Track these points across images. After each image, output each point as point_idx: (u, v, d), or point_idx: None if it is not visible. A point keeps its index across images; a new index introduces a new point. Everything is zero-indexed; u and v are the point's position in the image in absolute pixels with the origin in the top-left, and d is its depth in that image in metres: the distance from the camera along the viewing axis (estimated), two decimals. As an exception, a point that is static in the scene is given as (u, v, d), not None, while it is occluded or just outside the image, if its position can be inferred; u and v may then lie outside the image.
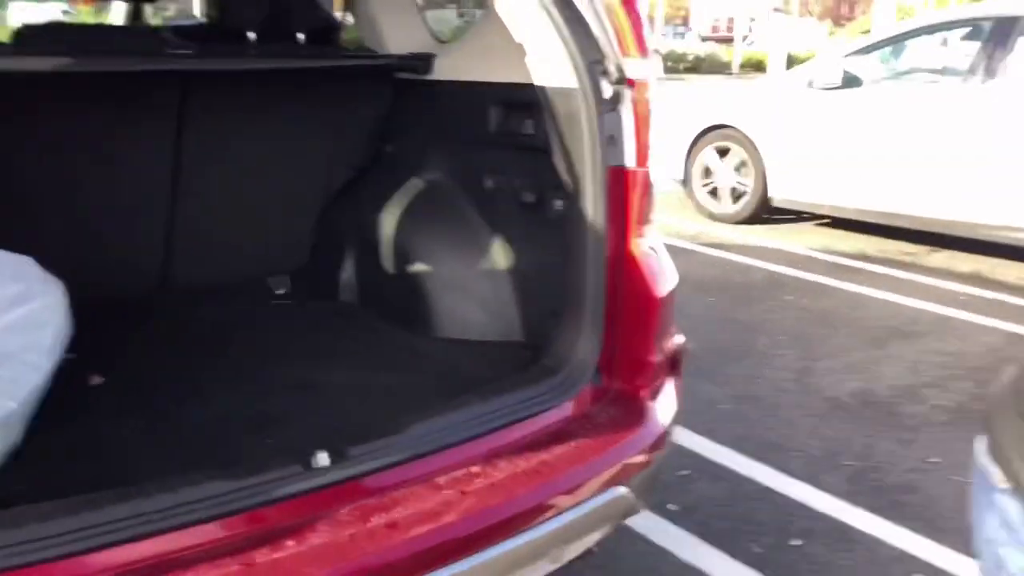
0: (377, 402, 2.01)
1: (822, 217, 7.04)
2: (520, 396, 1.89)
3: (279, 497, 1.52)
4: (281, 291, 2.75)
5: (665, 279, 2.07)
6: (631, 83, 1.94)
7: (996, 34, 5.91)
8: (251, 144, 2.52)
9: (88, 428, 1.85)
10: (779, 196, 6.81)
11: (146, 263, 2.48)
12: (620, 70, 1.91)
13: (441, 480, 1.67)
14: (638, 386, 2.03)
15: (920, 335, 4.63)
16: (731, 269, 5.84)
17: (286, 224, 2.72)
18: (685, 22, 52.92)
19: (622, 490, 1.86)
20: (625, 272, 2.01)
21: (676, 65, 27.67)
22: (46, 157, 2.22)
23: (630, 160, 1.97)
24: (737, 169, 7.01)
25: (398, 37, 2.65)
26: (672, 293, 2.10)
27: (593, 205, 1.95)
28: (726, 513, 2.90)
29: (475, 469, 1.72)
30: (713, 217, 7.16)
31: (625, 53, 1.94)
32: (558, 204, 2.11)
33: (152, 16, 4.20)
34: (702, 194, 7.27)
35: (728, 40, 35.55)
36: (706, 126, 7.16)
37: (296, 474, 1.56)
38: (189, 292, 2.58)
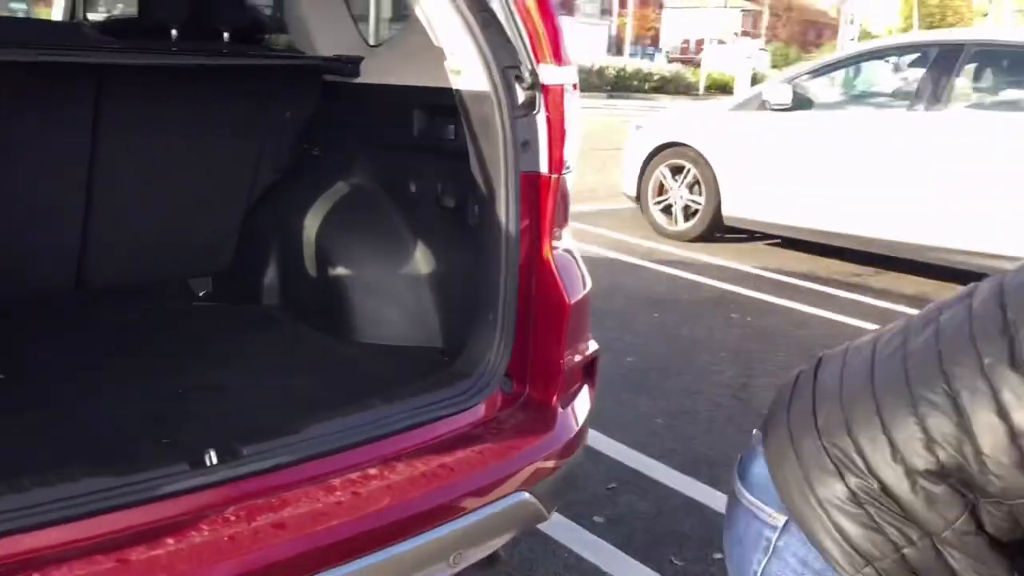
0: (283, 404, 1.98)
1: (774, 237, 7.11)
2: (424, 400, 1.87)
3: (162, 495, 1.49)
4: (203, 293, 2.72)
5: (578, 285, 2.07)
6: (546, 89, 1.95)
7: (941, 60, 6.03)
8: (172, 142, 2.49)
9: None
10: (732, 215, 6.87)
11: (61, 261, 2.43)
12: (534, 75, 1.92)
13: (335, 481, 1.66)
14: (549, 392, 2.03)
15: (858, 354, 4.68)
16: (680, 286, 5.87)
17: (208, 225, 2.68)
18: (655, 42, 53.51)
19: (525, 496, 1.85)
20: (537, 278, 2.01)
21: (642, 84, 27.94)
22: None
23: (544, 166, 1.97)
24: (690, 187, 7.07)
25: (327, 39, 2.64)
26: (585, 300, 2.11)
27: (506, 210, 1.94)
28: (651, 526, 2.90)
29: (372, 471, 1.70)
30: (666, 234, 7.20)
31: (540, 60, 1.94)
32: (476, 209, 2.10)
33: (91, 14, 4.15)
34: (655, 211, 7.32)
35: (692, 62, 36.08)
36: (660, 143, 7.22)
37: (182, 472, 1.53)
38: (107, 291, 2.54)
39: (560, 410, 2.02)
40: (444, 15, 1.96)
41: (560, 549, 2.72)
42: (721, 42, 36.82)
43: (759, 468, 1.26)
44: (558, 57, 1.96)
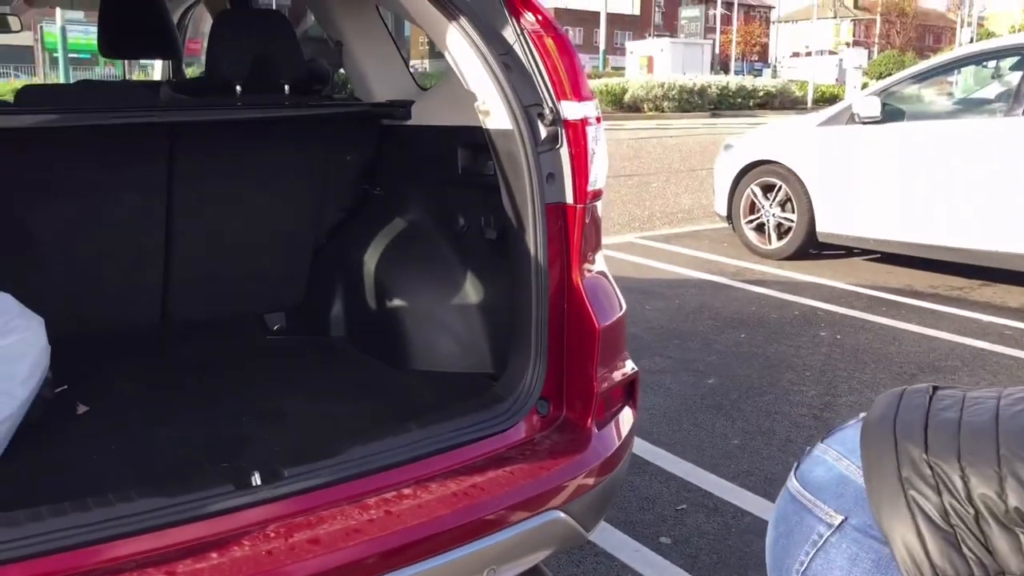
0: (333, 429, 2.12)
1: (873, 253, 6.93)
2: (460, 423, 1.97)
3: (209, 513, 1.64)
4: (277, 327, 2.91)
5: (610, 309, 2.14)
6: (567, 124, 2.04)
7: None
8: (243, 189, 2.70)
9: (63, 451, 2.01)
10: (826, 231, 6.73)
11: (146, 299, 2.66)
12: (555, 112, 2.01)
13: (370, 501, 1.77)
14: (584, 414, 2.09)
15: (951, 370, 4.53)
16: (768, 305, 5.80)
17: (281, 263, 2.88)
18: (762, 58, 52.57)
19: (558, 514, 1.92)
20: (569, 303, 2.09)
21: (746, 101, 27.52)
22: (48, 201, 2.43)
23: (569, 196, 2.06)
24: (782, 205, 6.98)
25: (384, 86, 2.81)
26: (619, 322, 2.17)
27: (534, 239, 2.04)
28: (717, 547, 2.90)
29: (406, 491, 1.81)
30: (759, 253, 7.12)
31: (561, 97, 2.04)
32: (510, 239, 2.21)
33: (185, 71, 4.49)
34: (747, 230, 7.24)
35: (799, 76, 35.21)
36: (750, 161, 7.16)
37: (228, 492, 1.68)
38: (188, 326, 2.75)
39: (595, 431, 2.09)
40: (469, 61, 2.08)
41: (624, 570, 2.76)
42: (832, 53, 35.92)
43: (822, 471, 1.30)
44: (578, 93, 2.05)
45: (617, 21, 59.32)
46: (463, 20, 2.05)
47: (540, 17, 2.07)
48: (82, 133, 2.34)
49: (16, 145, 2.29)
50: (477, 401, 2.08)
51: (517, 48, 2.04)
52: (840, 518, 1.23)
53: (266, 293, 2.90)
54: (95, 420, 2.22)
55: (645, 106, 24.97)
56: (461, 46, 2.09)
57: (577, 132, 2.05)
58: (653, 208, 9.61)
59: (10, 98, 2.57)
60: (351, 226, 2.88)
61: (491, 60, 2.02)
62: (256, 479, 1.71)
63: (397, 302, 2.64)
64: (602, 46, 38.46)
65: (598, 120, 2.12)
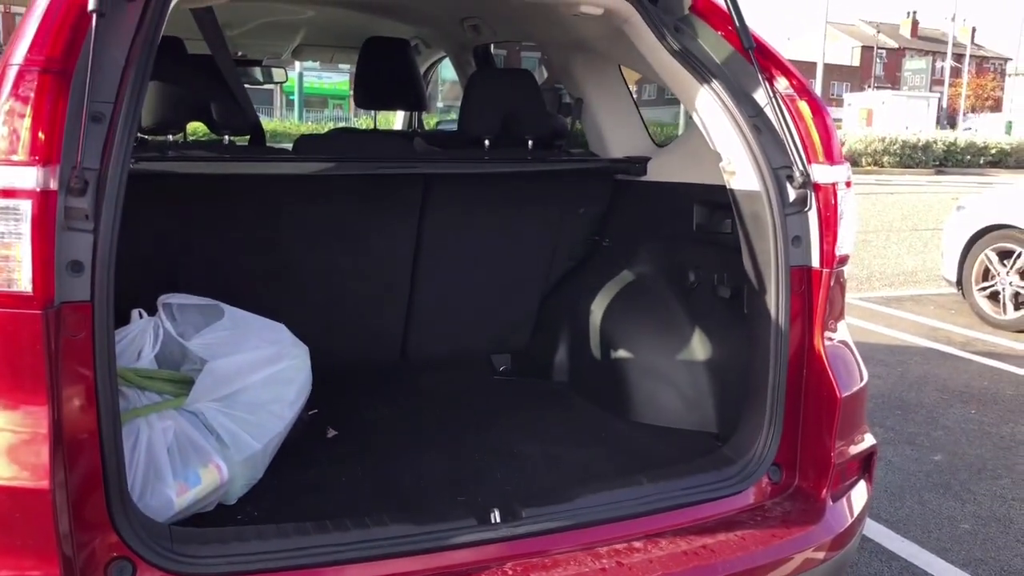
0: (562, 473, 2.18)
1: None
2: (691, 482, 1.97)
3: (452, 544, 1.73)
4: (502, 368, 3.03)
5: (852, 378, 2.08)
6: (817, 187, 2.02)
7: None
8: (483, 236, 2.85)
9: (317, 471, 2.19)
10: (1071, 303, 6.18)
11: (389, 336, 2.85)
12: (805, 175, 2.00)
13: (602, 550, 1.80)
14: (819, 484, 2.04)
15: None
16: (1003, 380, 5.37)
17: (510, 309, 3.00)
18: (995, 110, 49.10)
19: (788, 585, 1.87)
20: (808, 369, 2.05)
21: (976, 159, 25.74)
22: (312, 243, 2.67)
23: (816, 260, 2.03)
24: (1021, 273, 6.47)
25: (619, 141, 2.88)
26: (860, 393, 2.10)
27: (776, 302, 2.02)
28: (947, 638, 2.71)
29: (636, 544, 1.83)
30: (991, 323, 6.62)
31: (812, 160, 2.02)
32: (748, 299, 2.20)
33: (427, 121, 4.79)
34: (979, 298, 6.76)
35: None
36: (985, 225, 6.70)
37: (470, 527, 1.76)
38: (423, 363, 2.92)
39: (830, 503, 2.02)
40: (719, 122, 2.11)
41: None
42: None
43: None
44: (830, 157, 2.03)
45: (835, 72, 57.39)
46: (715, 83, 2.09)
47: (795, 82, 2.07)
48: (351, 180, 2.56)
49: (294, 190, 2.54)
50: (706, 461, 2.07)
51: (768, 111, 2.05)
52: None
53: (495, 336, 3.03)
54: (343, 444, 2.40)
55: (863, 160, 23.90)
56: (710, 107, 2.12)
57: (828, 195, 2.02)
58: (872, 268, 9.17)
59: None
60: (579, 276, 2.96)
61: (741, 122, 2.04)
62: (496, 516, 1.79)
63: (622, 352, 2.68)
64: (818, 97, 37.15)
65: (848, 184, 2.08)
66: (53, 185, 1.45)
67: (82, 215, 1.48)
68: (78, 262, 1.48)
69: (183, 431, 1.89)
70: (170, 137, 2.46)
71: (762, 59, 2.08)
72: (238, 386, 2.02)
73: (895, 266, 9.37)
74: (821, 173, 2.02)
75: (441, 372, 2.89)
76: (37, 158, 1.45)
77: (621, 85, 2.96)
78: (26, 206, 1.44)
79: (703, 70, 2.12)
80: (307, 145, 2.60)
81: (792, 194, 2.01)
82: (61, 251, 1.46)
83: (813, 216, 2.02)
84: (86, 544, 1.51)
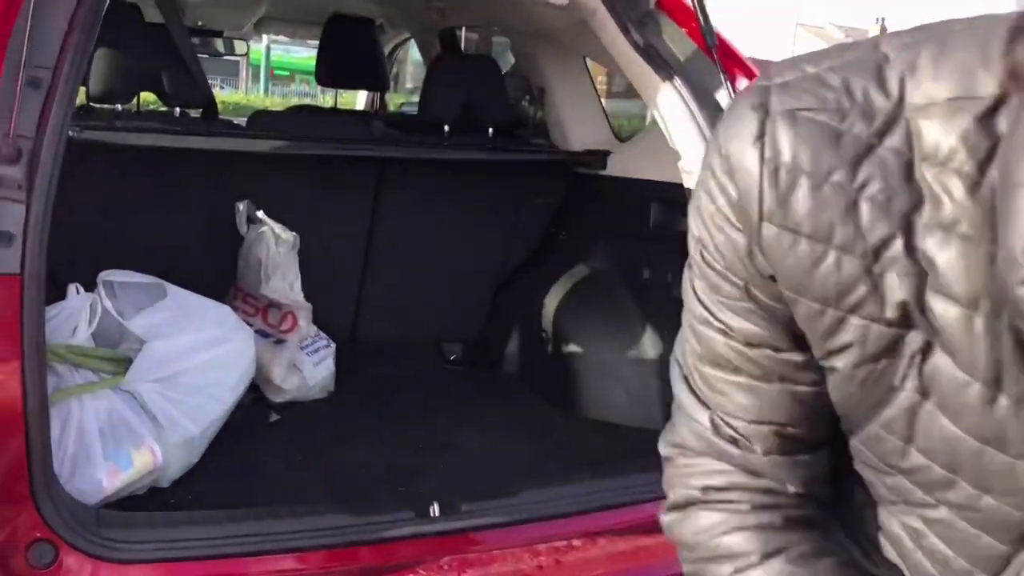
0: (505, 468, 2.16)
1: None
2: (635, 480, 1.95)
3: (389, 537, 1.70)
4: (453, 357, 3.00)
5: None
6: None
7: None
8: (438, 222, 2.81)
9: (255, 456, 2.14)
10: None
11: (338, 319, 2.80)
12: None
13: (541, 547, 1.78)
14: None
15: None
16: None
17: (463, 297, 2.96)
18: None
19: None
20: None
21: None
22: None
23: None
24: None
25: (581, 134, 2.86)
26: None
27: None
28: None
29: (576, 543, 1.81)
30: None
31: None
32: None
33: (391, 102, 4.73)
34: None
35: None
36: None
37: (407, 519, 1.73)
38: (373, 348, 2.88)
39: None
40: (679, 120, 2.09)
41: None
42: None
43: None
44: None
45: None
46: (676, 80, 2.07)
47: (755, 82, 2.06)
48: (304, 160, 2.50)
49: (244, 167, 2.48)
50: (651, 460, 2.05)
51: (728, 110, 2.03)
52: None
53: (446, 323, 2.99)
54: (285, 430, 2.35)
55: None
56: (671, 104, 2.10)
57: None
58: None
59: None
60: (535, 267, 2.93)
61: (701, 121, 2.02)
62: (435, 510, 1.76)
63: (574, 347, 2.66)
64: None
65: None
66: (-18, 152, 1.39)
67: (14, 184, 1.42)
68: (8, 233, 1.42)
69: (117, 412, 1.83)
70: (119, 107, 2.38)
71: (725, 58, 2.06)
72: (178, 368, 1.96)
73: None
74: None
75: (390, 358, 2.85)
76: (-34, 123, 1.38)
77: (585, 77, 2.93)
78: (-48, 173, 1.38)
79: (665, 66, 2.10)
80: (261, 121, 2.53)
81: None
82: None
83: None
84: (5, 525, 1.46)
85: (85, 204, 2.08)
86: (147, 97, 2.70)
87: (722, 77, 2.02)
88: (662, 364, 2.48)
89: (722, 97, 2.06)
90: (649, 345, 2.52)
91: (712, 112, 2.04)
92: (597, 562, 1.77)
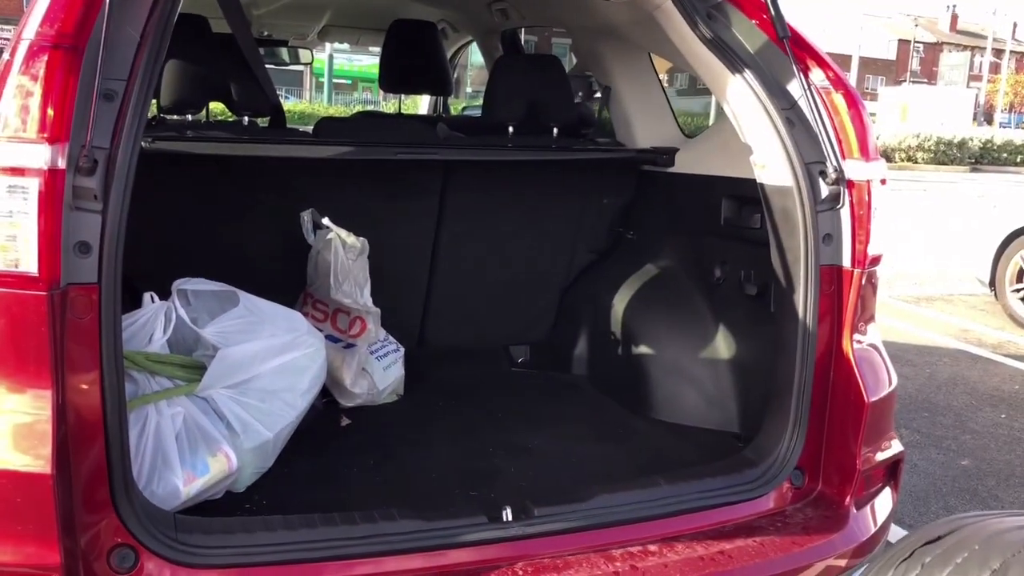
0: (577, 471, 2.13)
1: None
2: (711, 484, 1.91)
3: (461, 543, 1.69)
4: (521, 359, 2.98)
5: (880, 383, 2.00)
6: (851, 184, 1.94)
7: None
8: (503, 225, 2.80)
9: (327, 461, 2.15)
10: (1109, 307, 6.03)
11: (406, 323, 2.81)
12: (838, 171, 1.93)
13: (616, 552, 1.75)
14: (842, 491, 1.97)
15: None
16: (1035, 384, 5.25)
17: (530, 299, 2.95)
18: (1035, 110, 48.24)
19: (808, 594, 1.82)
20: (836, 372, 1.98)
21: (1012, 157, 25.29)
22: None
23: (847, 260, 1.96)
24: (1057, 275, 6.33)
25: (648, 131, 2.81)
26: (889, 398, 2.03)
27: (804, 301, 1.95)
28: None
29: (652, 548, 1.78)
30: (1024, 326, 6.48)
31: (846, 155, 1.95)
32: (775, 298, 2.13)
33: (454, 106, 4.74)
34: (1013, 300, 6.61)
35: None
36: (1020, 226, 6.55)
37: (481, 524, 1.72)
38: (441, 352, 2.88)
39: (853, 510, 1.96)
40: (751, 114, 2.03)
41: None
42: None
43: None
44: (865, 153, 1.95)
45: (870, 65, 56.59)
46: (748, 73, 2.02)
47: (830, 74, 1.99)
48: (371, 165, 2.51)
49: (313, 173, 2.50)
50: (727, 463, 2.01)
51: (802, 103, 1.97)
52: None
53: (514, 326, 2.97)
54: (356, 435, 2.36)
55: (896, 156, 23.54)
56: (742, 98, 2.05)
57: (861, 192, 1.95)
58: (902, 267, 9.02)
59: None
60: (602, 268, 2.90)
61: (774, 114, 1.97)
62: (507, 514, 1.74)
63: (643, 348, 2.62)
64: (851, 91, 36.60)
65: (883, 182, 2.00)
66: (61, 164, 1.42)
67: (91, 195, 1.45)
68: (85, 243, 1.44)
69: (193, 418, 1.86)
70: (189, 117, 2.42)
71: (797, 49, 2.00)
72: (251, 373, 1.98)
73: (925, 265, 9.21)
74: (855, 169, 1.95)
75: (459, 362, 2.85)
76: (46, 136, 1.41)
77: (651, 73, 2.89)
78: (34, 185, 1.40)
79: (736, 60, 2.05)
80: (328, 128, 2.55)
81: (824, 190, 1.93)
82: (68, 232, 1.43)
83: (846, 214, 1.95)
84: (88, 531, 1.48)
85: (158, 214, 2.11)
86: (216, 107, 2.75)
87: (795, 68, 1.96)
88: (735, 364, 2.43)
89: (795, 90, 2.00)
90: (722, 344, 2.46)
91: (785, 106, 1.98)
92: (673, 568, 1.73)
